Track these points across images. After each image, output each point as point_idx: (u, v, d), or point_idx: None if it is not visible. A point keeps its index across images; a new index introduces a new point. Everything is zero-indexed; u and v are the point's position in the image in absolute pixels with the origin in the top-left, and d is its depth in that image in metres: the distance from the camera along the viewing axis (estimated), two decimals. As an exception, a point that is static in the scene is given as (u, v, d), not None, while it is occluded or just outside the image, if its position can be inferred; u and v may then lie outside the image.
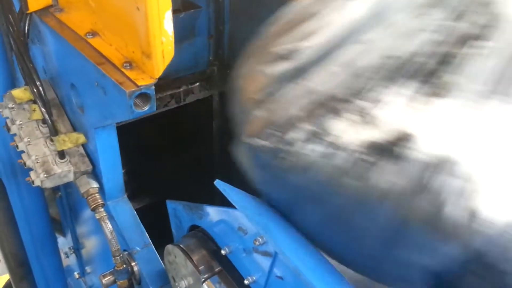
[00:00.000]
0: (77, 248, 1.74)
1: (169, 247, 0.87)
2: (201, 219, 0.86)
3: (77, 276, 1.87)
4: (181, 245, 0.85)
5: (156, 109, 1.68)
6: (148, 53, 0.71)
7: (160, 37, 0.69)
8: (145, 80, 0.74)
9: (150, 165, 2.06)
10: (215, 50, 1.56)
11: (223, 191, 0.68)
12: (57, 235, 1.84)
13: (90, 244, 1.61)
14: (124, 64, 0.77)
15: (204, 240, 0.85)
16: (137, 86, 0.72)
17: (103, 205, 1.03)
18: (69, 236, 1.74)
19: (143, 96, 0.74)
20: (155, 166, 2.05)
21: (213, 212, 0.81)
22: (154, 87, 0.75)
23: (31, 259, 1.44)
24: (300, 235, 0.64)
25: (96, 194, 1.02)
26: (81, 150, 1.06)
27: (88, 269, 1.77)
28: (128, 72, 0.76)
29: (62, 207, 1.59)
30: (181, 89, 1.64)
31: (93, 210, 1.02)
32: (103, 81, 0.78)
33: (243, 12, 1.40)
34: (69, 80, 0.98)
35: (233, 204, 0.68)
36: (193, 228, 0.90)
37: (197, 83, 1.66)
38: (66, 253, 1.92)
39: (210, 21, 1.49)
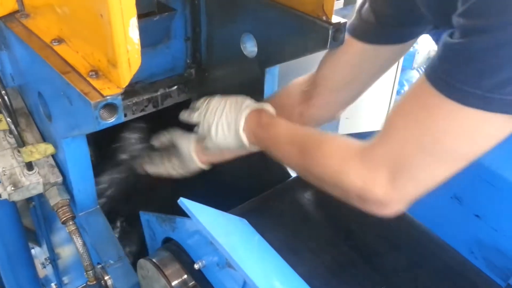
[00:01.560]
0: (53, 258, 1.70)
1: (141, 261, 0.85)
2: (174, 231, 0.84)
3: (54, 287, 1.83)
4: (154, 259, 0.83)
5: (133, 113, 1.67)
6: (113, 62, 0.70)
7: (125, 46, 0.67)
8: (112, 89, 0.72)
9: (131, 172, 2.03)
10: (192, 52, 1.54)
11: (186, 210, 0.67)
12: (32, 245, 1.80)
13: (66, 255, 1.58)
14: (90, 73, 0.75)
15: (177, 253, 0.83)
16: (103, 96, 0.70)
17: (74, 218, 1.01)
18: (45, 246, 1.70)
19: (110, 107, 0.72)
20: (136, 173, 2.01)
21: (186, 224, 0.80)
22: (121, 97, 0.73)
23: (4, 271, 1.40)
24: (273, 253, 0.64)
25: (67, 207, 1.00)
26: (51, 160, 1.03)
27: (65, 279, 1.74)
28: (94, 82, 0.74)
29: (36, 217, 1.55)
30: (159, 93, 1.61)
31: (64, 223, 0.99)
32: (68, 91, 0.76)
33: (219, 14, 1.39)
34: (36, 88, 0.96)
35: (199, 225, 0.66)
36: (168, 240, 0.89)
37: (175, 87, 1.64)
38: (42, 264, 1.88)
39: (187, 23, 1.47)
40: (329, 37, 1.05)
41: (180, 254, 0.83)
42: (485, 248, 0.81)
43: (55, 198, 1.00)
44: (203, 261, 0.75)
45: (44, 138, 1.06)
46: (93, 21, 0.71)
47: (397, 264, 0.86)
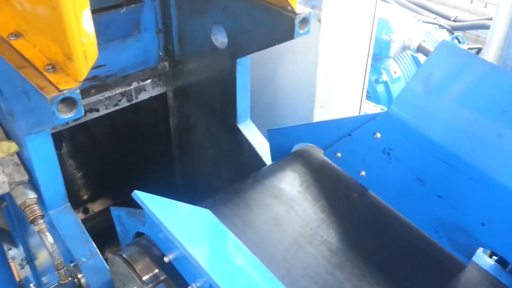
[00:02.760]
0: (30, 259, 1.66)
1: (111, 257, 0.84)
2: (144, 225, 0.83)
3: (33, 287, 1.80)
4: (123, 255, 0.82)
5: (106, 108, 1.63)
6: (69, 55, 0.67)
7: (80, 38, 0.65)
8: (69, 83, 0.70)
9: (107, 167, 2.01)
10: (165, 45, 1.51)
11: (139, 202, 0.66)
12: (8, 246, 1.76)
13: (43, 255, 1.55)
14: (47, 67, 0.73)
15: (148, 247, 0.82)
16: (59, 90, 0.68)
17: (43, 217, 0.98)
18: (21, 247, 1.67)
19: (68, 101, 0.70)
20: (113, 168, 1.99)
21: (154, 218, 0.78)
22: (79, 91, 0.70)
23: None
24: (238, 244, 0.63)
25: (34, 205, 0.97)
26: (16, 159, 1.00)
27: (44, 279, 1.71)
28: (50, 76, 0.71)
29: (9, 218, 1.51)
30: (132, 87, 1.58)
31: (32, 222, 0.97)
32: (25, 86, 0.73)
33: (189, 5, 1.36)
34: (-4, 85, 0.92)
35: (154, 218, 0.65)
36: (139, 235, 0.87)
37: (149, 80, 1.61)
38: (20, 265, 1.84)
39: (157, 15, 1.44)
40: (295, 27, 1.04)
41: (150, 248, 0.81)
42: (448, 227, 0.82)
43: (22, 197, 0.98)
44: (173, 254, 0.73)
45: (8, 136, 1.02)
46: (47, 14, 0.69)
47: (363, 246, 0.86)
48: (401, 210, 0.92)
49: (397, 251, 0.86)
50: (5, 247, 1.65)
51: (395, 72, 3.84)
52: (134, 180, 2.01)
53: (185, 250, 0.61)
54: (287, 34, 1.06)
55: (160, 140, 1.91)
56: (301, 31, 1.05)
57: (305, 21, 1.04)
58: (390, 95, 3.85)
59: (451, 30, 4.08)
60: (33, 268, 1.71)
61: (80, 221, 1.07)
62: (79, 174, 2.03)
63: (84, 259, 1.01)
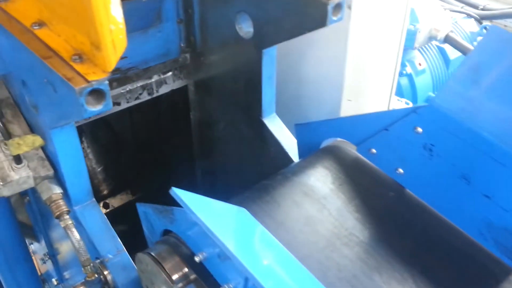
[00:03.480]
0: (52, 254, 1.67)
1: (140, 255, 0.82)
2: (173, 223, 0.81)
3: (55, 282, 1.81)
4: (152, 253, 0.79)
5: (128, 102, 1.62)
6: (97, 44, 0.65)
7: (108, 25, 0.62)
8: (97, 74, 0.67)
9: (127, 162, 2.00)
10: (186, 36, 1.48)
11: (178, 200, 0.63)
12: (30, 240, 1.77)
13: (66, 250, 1.55)
14: (73, 57, 0.70)
15: (176, 246, 0.80)
16: (88, 81, 0.66)
17: (69, 212, 0.97)
18: (43, 241, 1.67)
19: (96, 93, 0.67)
20: (133, 162, 1.99)
21: (184, 216, 0.76)
22: (108, 82, 0.68)
23: (2, 271, 1.37)
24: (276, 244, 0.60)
25: (60, 200, 0.96)
26: (40, 153, 0.99)
27: (66, 275, 1.71)
28: (77, 66, 0.69)
29: (32, 213, 1.52)
30: (153, 80, 1.56)
31: (58, 218, 0.95)
32: (52, 77, 0.71)
33: (212, -7, 1.33)
34: (19, 77, 0.91)
35: (194, 216, 0.62)
36: (167, 232, 0.85)
37: (170, 72, 1.58)
38: (42, 259, 1.86)
39: (178, 4, 1.41)
40: (328, 13, 0.99)
41: (179, 247, 0.79)
42: (495, 229, 0.77)
43: (47, 192, 0.96)
44: (204, 253, 0.71)
45: (32, 130, 1.01)
46: (73, 1, 0.66)
47: (402, 248, 0.82)
48: (443, 210, 0.87)
49: (439, 254, 0.81)
50: (27, 241, 1.66)
51: (420, 64, 3.73)
52: (154, 175, 2.01)
53: (226, 249, 0.58)
54: (319, 21, 1.01)
55: (180, 134, 1.89)
56: (334, 18, 1.00)
57: (338, 7, 0.99)
58: (414, 88, 3.74)
59: (479, 20, 3.94)
60: (55, 263, 1.71)
61: (105, 216, 1.05)
62: (99, 169, 2.03)
63: (110, 256, 1.00)
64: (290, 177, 0.96)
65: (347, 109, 1.70)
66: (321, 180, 0.94)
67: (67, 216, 0.95)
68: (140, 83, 1.52)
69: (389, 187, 0.92)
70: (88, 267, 0.96)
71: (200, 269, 0.75)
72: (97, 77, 0.66)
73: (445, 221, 0.87)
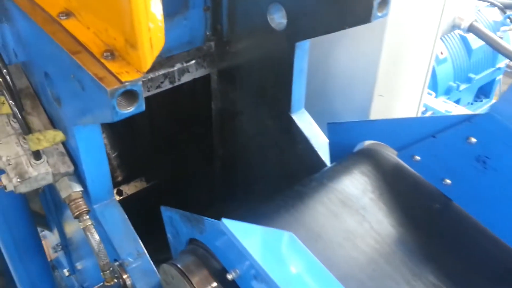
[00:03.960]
0: (65, 245, 1.66)
1: (165, 266, 0.78)
2: (202, 233, 0.77)
3: (67, 273, 1.81)
4: (178, 265, 0.76)
5: (149, 91, 1.58)
6: (132, 42, 0.60)
7: (147, 23, 0.57)
8: (131, 74, 0.63)
9: (143, 149, 1.98)
10: (212, 24, 1.43)
11: (231, 236, 0.59)
12: (44, 229, 1.77)
13: (79, 241, 1.54)
14: (105, 54, 0.66)
15: (205, 258, 0.76)
16: (121, 82, 0.62)
17: (88, 212, 0.94)
18: (56, 231, 1.67)
19: (129, 94, 0.63)
20: (149, 150, 1.96)
21: (217, 228, 0.72)
22: (141, 83, 0.64)
23: (13, 261, 1.37)
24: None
25: (80, 200, 0.93)
26: (61, 148, 0.96)
27: (78, 265, 1.71)
28: (109, 64, 0.65)
29: (46, 203, 1.50)
30: (175, 68, 1.52)
31: (77, 218, 0.93)
32: (80, 74, 0.67)
33: (243, -21, 1.27)
34: (42, 67, 0.87)
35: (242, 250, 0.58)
36: (193, 241, 0.82)
37: (193, 61, 1.54)
38: (54, 248, 1.86)
39: (206, -10, 1.36)
40: (373, 9, 0.93)
41: (208, 259, 0.76)
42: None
43: (67, 190, 0.94)
44: (238, 271, 0.67)
45: (53, 123, 0.98)
46: (107, -8, 0.62)
47: (450, 267, 0.78)
48: (493, 226, 0.82)
49: (490, 275, 0.77)
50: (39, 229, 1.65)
51: (441, 53, 3.63)
52: (170, 163, 1.98)
53: (263, 272, 0.54)
54: (362, 16, 0.95)
55: (200, 124, 1.86)
56: (379, 14, 0.94)
57: (384, 2, 0.93)
58: (435, 77, 3.65)
59: (503, 9, 3.82)
60: (68, 253, 1.71)
61: (126, 216, 1.02)
62: (113, 155, 2.01)
63: (130, 259, 0.97)
64: (326, 183, 0.91)
65: (378, 105, 1.64)
66: (359, 188, 0.90)
67: (87, 217, 0.92)
68: (162, 72, 1.48)
69: (434, 198, 0.87)
70: (108, 271, 0.93)
71: (230, 286, 0.71)
72: (131, 77, 0.62)
73: (495, 238, 0.82)
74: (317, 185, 0.92)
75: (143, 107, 0.66)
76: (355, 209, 0.86)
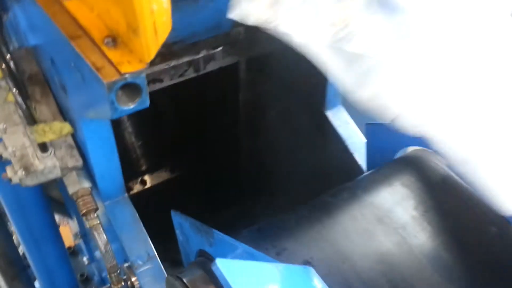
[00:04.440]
0: (84, 234, 1.64)
1: (170, 278, 0.71)
2: (212, 246, 0.69)
3: (86, 262, 1.79)
4: (184, 279, 0.68)
5: (171, 79, 1.50)
6: (134, 26, 0.52)
7: (150, 5, 0.48)
8: (132, 64, 0.54)
9: (167, 139, 1.93)
10: (242, 7, 1.33)
11: (221, 277, 0.50)
12: (62, 216, 1.75)
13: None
14: (106, 40, 0.58)
15: (213, 274, 0.68)
16: (120, 73, 0.53)
17: (96, 210, 0.88)
18: (75, 220, 1.64)
19: (130, 88, 0.55)
20: (173, 140, 1.91)
21: (227, 244, 0.64)
22: (145, 74, 0.55)
23: (29, 249, 1.34)
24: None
25: (87, 197, 0.87)
26: (69, 140, 0.89)
27: (97, 254, 1.68)
28: (110, 52, 0.56)
29: (64, 190, 1.47)
30: (200, 55, 1.43)
31: (84, 216, 0.87)
32: (79, 63, 0.59)
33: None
34: (48, 53, 0.80)
35: None
36: (203, 253, 0.73)
37: (220, 48, 1.44)
38: (74, 236, 1.85)
39: (236, -30, 1.25)
40: None
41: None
42: None
43: (74, 186, 0.87)
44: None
45: (62, 111, 0.91)
46: (108, -33, 0.53)
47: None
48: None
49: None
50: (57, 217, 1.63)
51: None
52: (194, 154, 1.93)
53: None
54: None
55: (226, 116, 1.78)
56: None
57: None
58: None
59: None
60: (87, 243, 1.69)
61: (137, 216, 0.96)
62: (138, 144, 1.97)
63: (140, 262, 0.91)
64: (360, 195, 0.80)
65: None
66: (400, 204, 0.78)
67: (94, 215, 0.86)
68: (186, 59, 1.40)
69: (491, 220, 0.75)
70: (114, 274, 0.87)
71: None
72: (132, 68, 0.54)
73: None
74: (349, 196, 0.81)
75: (146, 103, 0.57)
76: (393, 228, 0.74)
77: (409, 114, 0.57)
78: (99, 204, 0.94)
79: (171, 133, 1.86)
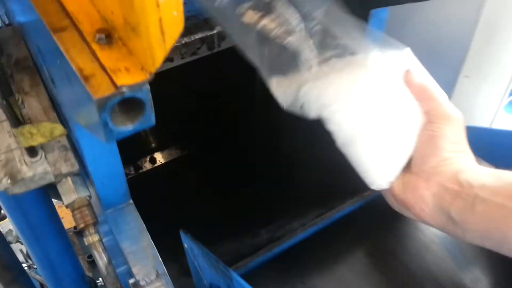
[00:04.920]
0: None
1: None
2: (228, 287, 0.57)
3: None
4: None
5: (182, 58, 1.36)
6: (132, 24, 0.38)
7: (154, -5, 0.34)
8: (132, 73, 0.41)
9: (178, 117, 1.80)
10: (264, -23, 1.16)
11: None
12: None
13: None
14: (98, 36, 0.44)
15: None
16: (116, 86, 0.40)
17: (96, 223, 0.76)
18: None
19: (130, 101, 0.42)
20: (184, 118, 1.79)
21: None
22: (148, 86, 0.41)
23: (31, 246, 1.25)
24: None
25: (85, 208, 0.75)
26: (63, 140, 0.77)
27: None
28: (103, 53, 0.43)
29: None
30: (215, 31, 1.27)
31: (82, 230, 0.75)
32: (64, 64, 0.46)
33: None
34: (35, 39, 0.67)
35: None
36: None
37: (237, 23, 1.29)
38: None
39: None
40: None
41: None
42: None
43: (70, 195, 0.76)
44: None
45: (54, 105, 0.79)
46: None
47: None
48: None
49: None
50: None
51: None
52: (206, 132, 1.82)
53: None
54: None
55: (240, 96, 1.64)
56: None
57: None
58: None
59: None
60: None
61: (144, 226, 0.84)
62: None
63: (146, 280, 0.80)
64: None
65: (463, 88, 1.34)
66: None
67: (93, 230, 0.75)
68: (199, 35, 1.24)
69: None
70: (117, 296, 0.77)
71: None
72: (131, 79, 0.40)
73: None
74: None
75: (151, 121, 0.44)
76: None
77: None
78: (100, 212, 0.83)
79: (182, 110, 1.74)
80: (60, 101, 0.70)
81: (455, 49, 1.21)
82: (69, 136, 0.78)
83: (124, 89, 0.39)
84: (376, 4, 0.89)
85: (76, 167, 0.76)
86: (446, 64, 1.26)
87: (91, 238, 0.74)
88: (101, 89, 0.39)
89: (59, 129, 0.71)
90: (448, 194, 0.53)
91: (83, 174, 0.80)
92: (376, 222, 0.80)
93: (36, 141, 0.69)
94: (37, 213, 1.21)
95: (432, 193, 0.55)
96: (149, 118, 0.43)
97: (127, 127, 0.42)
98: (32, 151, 0.72)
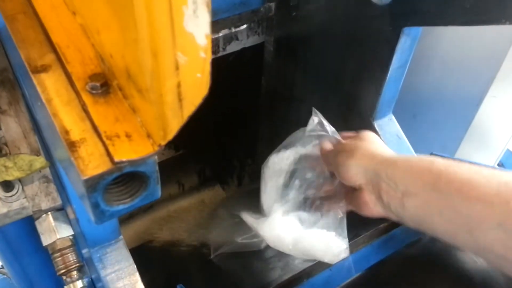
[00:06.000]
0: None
1: None
2: None
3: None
4: None
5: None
6: (139, 84, 0.28)
7: (173, 52, 0.25)
8: (136, 144, 0.31)
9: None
10: (278, -21, 1.07)
11: None
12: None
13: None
14: (92, 85, 0.35)
15: None
16: (113, 162, 0.30)
17: (80, 268, 0.67)
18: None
19: (132, 177, 0.33)
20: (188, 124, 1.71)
21: None
22: (156, 158, 0.32)
23: (8, 261, 1.16)
24: None
25: (68, 251, 0.66)
26: (46, 171, 0.67)
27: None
28: (96, 108, 0.33)
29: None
30: (221, 34, 1.18)
31: (62, 276, 0.66)
32: (45, 113, 0.36)
33: None
34: (14, 55, 0.57)
35: None
36: None
37: (244, 25, 1.19)
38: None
39: None
40: None
41: None
42: None
43: (50, 235, 0.67)
44: None
45: (37, 128, 0.69)
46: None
47: None
48: None
49: None
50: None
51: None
52: (201, 133, 1.75)
53: None
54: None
55: (243, 100, 1.55)
56: None
57: None
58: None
59: None
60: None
61: (135, 266, 0.75)
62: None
63: (137, 330, 0.72)
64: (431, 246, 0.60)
65: (488, 109, 1.26)
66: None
67: (76, 276, 0.66)
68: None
69: None
70: None
71: None
72: (134, 153, 0.31)
73: None
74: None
75: (157, 195, 0.35)
76: None
77: None
78: (84, 246, 0.74)
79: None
80: (42, 126, 0.61)
81: (486, 69, 1.13)
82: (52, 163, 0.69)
83: (125, 165, 0.30)
84: (411, 21, 0.80)
85: (58, 202, 0.67)
86: (475, 82, 1.18)
87: (74, 285, 0.66)
88: (93, 163, 0.30)
89: (39, 161, 0.61)
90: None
91: (65, 203, 0.70)
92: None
93: (12, 175, 0.60)
94: (14, 228, 1.12)
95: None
96: (153, 192, 0.34)
97: (125, 205, 0.33)
98: (7, 185, 0.62)
